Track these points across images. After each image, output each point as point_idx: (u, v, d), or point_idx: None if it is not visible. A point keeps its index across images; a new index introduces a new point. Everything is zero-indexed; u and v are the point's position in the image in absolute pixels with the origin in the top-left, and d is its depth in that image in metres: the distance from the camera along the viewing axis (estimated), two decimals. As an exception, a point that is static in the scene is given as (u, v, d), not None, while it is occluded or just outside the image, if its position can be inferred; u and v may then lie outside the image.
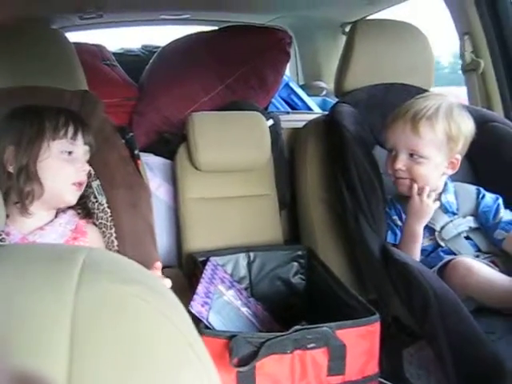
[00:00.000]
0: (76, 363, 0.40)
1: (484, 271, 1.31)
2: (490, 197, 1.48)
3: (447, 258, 1.38)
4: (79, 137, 1.27)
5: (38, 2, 2.07)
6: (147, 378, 0.41)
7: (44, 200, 1.23)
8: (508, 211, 1.45)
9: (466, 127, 1.43)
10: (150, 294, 0.44)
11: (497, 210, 1.45)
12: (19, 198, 1.21)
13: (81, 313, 0.41)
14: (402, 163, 1.43)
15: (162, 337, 0.43)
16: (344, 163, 1.56)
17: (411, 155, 1.43)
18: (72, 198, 1.27)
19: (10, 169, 1.21)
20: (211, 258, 1.49)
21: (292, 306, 1.58)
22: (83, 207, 1.37)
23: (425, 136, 1.40)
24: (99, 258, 0.47)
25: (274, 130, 1.91)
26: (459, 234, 1.44)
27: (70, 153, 1.25)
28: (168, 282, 1.07)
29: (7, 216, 1.22)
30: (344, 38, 2.38)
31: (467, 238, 1.45)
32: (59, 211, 1.30)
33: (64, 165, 1.24)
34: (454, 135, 1.41)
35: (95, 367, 0.40)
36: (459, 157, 1.45)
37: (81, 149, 1.28)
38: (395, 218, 1.50)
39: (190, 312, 1.07)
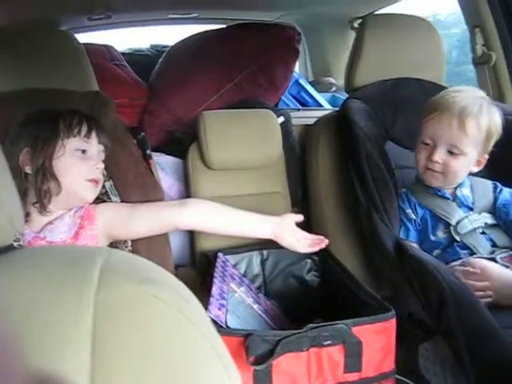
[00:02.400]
0: (98, 365, 0.40)
1: (498, 271, 1.31)
2: (507, 191, 1.47)
3: (463, 253, 1.37)
4: (93, 136, 1.29)
5: (47, 4, 2.07)
6: (168, 377, 0.41)
7: (62, 198, 1.25)
8: None
9: (500, 125, 1.43)
10: (169, 294, 0.44)
11: None
12: (38, 198, 1.23)
13: (101, 314, 0.41)
14: (439, 156, 1.42)
15: (182, 336, 0.43)
16: (356, 159, 1.56)
17: (450, 151, 1.41)
18: (88, 194, 1.28)
19: (27, 169, 1.24)
20: (219, 254, 1.48)
21: (306, 304, 1.58)
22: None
23: (470, 133, 1.39)
24: (118, 259, 0.47)
25: (285, 127, 1.91)
26: (475, 229, 1.43)
27: (83, 151, 1.27)
28: None
29: (27, 215, 1.24)
30: (353, 34, 2.37)
31: (483, 233, 1.44)
32: None
33: (78, 162, 1.26)
34: (492, 133, 1.41)
35: (117, 368, 0.40)
36: (487, 156, 1.45)
37: (95, 147, 1.30)
38: (409, 211, 1.49)
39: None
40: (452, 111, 1.40)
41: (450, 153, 1.42)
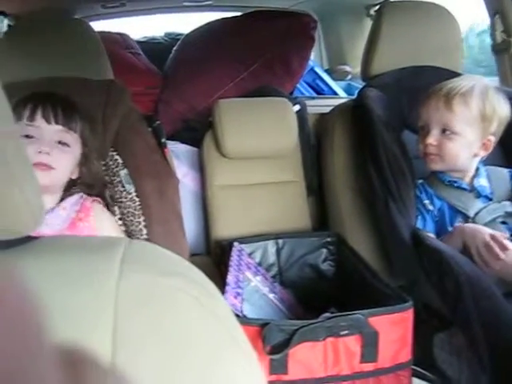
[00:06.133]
0: (118, 356, 0.39)
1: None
2: None
3: None
4: (38, 117, 1.19)
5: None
6: (189, 369, 0.41)
7: None
8: None
9: (502, 109, 1.41)
10: (191, 286, 0.44)
11: None
12: None
13: (123, 306, 0.41)
14: (433, 138, 1.42)
15: (204, 329, 0.43)
16: (373, 148, 1.54)
17: (443, 131, 1.41)
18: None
19: None
20: (235, 243, 1.48)
21: (321, 293, 1.58)
22: (102, 197, 1.36)
23: (458, 111, 1.38)
24: (139, 249, 0.47)
25: (301, 116, 1.90)
26: (494, 219, 1.41)
27: (27, 136, 1.17)
28: None
29: None
30: (368, 21, 2.35)
31: (503, 223, 1.42)
32: (66, 195, 1.28)
33: None
34: (487, 114, 1.39)
35: (137, 360, 0.40)
36: (493, 138, 1.42)
37: (44, 130, 1.19)
38: (426, 202, 1.47)
39: None
40: (439, 94, 1.41)
41: (444, 134, 1.42)
